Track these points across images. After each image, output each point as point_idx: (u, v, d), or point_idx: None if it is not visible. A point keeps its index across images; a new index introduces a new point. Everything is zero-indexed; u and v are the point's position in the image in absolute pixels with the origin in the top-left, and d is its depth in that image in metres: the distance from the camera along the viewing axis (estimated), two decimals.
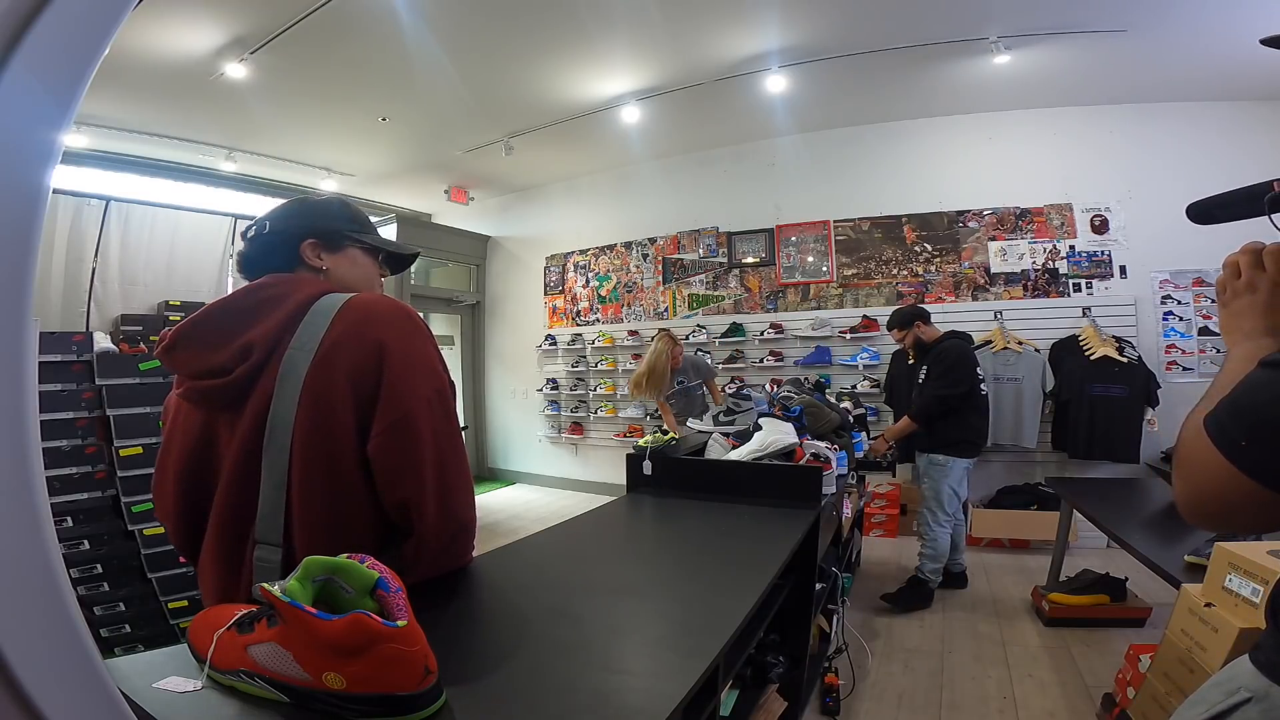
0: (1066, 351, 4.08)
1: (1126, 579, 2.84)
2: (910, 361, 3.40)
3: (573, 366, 5.99)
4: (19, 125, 0.35)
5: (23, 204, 0.35)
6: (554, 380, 6.13)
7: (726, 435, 2.34)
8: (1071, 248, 4.28)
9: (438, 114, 4.45)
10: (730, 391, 3.79)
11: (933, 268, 4.61)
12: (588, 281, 6.05)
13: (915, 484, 3.35)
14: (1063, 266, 4.29)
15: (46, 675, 0.36)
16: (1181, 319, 4.05)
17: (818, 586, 1.86)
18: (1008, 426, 4.12)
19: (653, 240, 5.69)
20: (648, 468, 2.04)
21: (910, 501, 4.22)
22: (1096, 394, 3.89)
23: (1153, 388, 3.88)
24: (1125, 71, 3.77)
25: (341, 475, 0.88)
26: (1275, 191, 0.69)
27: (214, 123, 4.34)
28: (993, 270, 4.45)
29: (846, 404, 3.36)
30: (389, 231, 5.89)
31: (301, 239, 1.03)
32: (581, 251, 6.09)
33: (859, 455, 2.96)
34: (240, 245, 1.06)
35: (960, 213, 4.54)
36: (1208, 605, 1.50)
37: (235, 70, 3.56)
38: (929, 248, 4.62)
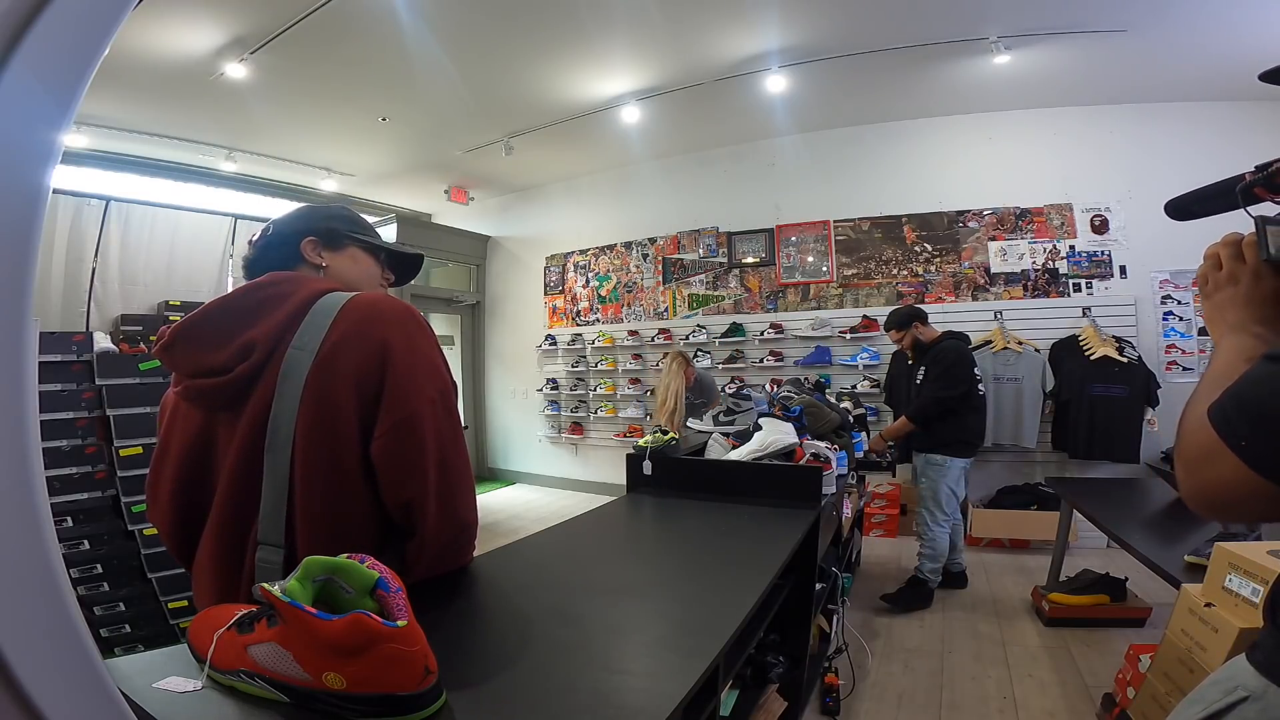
0: (1066, 351, 4.08)
1: (1126, 579, 2.85)
2: (909, 362, 3.41)
3: (573, 366, 5.99)
4: (19, 125, 0.35)
5: (23, 204, 0.35)
6: (554, 380, 6.13)
7: (726, 435, 2.34)
8: (1071, 248, 4.28)
9: (438, 114, 4.45)
10: (730, 391, 3.79)
11: (933, 268, 4.61)
12: (588, 281, 6.05)
13: (914, 484, 3.36)
14: (1063, 266, 4.29)
15: (46, 675, 0.36)
16: (1181, 319, 4.05)
17: (818, 586, 1.86)
18: (1008, 426, 4.12)
19: (653, 240, 5.69)
20: (648, 468, 2.04)
21: (910, 501, 4.21)
22: (1096, 394, 3.89)
23: (1153, 388, 3.88)
24: (1125, 71, 3.77)
25: (344, 475, 0.88)
26: (1246, 181, 0.70)
27: (214, 123, 4.34)
28: (993, 270, 4.45)
29: (846, 404, 3.36)
30: (389, 231, 5.90)
31: (302, 237, 1.03)
32: (581, 251, 6.10)
33: (859, 455, 2.96)
34: (248, 251, 1.06)
35: (960, 213, 4.54)
36: (1208, 605, 1.50)
37: (235, 70, 3.56)
38: (929, 248, 4.62)
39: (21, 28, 0.34)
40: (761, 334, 5.02)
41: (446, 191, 6.16)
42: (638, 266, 5.77)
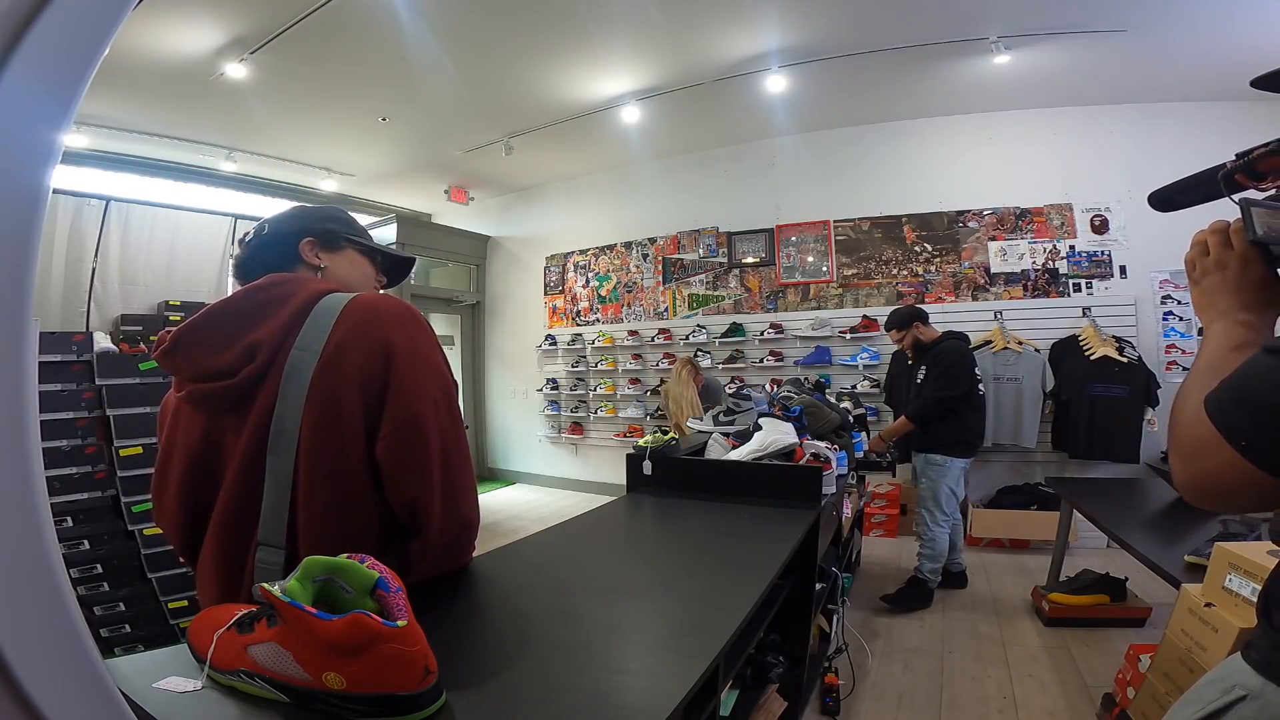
0: (1066, 351, 4.08)
1: (1126, 579, 2.85)
2: (909, 362, 3.41)
3: (573, 366, 5.99)
4: (19, 125, 0.35)
5: (23, 204, 0.35)
6: (554, 380, 6.13)
7: (726, 435, 2.34)
8: (1071, 248, 4.28)
9: (438, 114, 4.45)
10: (730, 391, 3.79)
11: (933, 268, 4.61)
12: (588, 281, 6.05)
13: (914, 484, 3.36)
14: (1063, 266, 4.29)
15: (46, 675, 0.36)
16: (1182, 319, 4.05)
17: (818, 586, 1.86)
18: (1008, 426, 4.12)
19: (653, 240, 5.69)
20: (648, 468, 2.04)
21: (910, 501, 4.21)
22: (1096, 394, 3.89)
23: (1153, 388, 3.88)
24: (1125, 71, 3.77)
25: (348, 476, 0.88)
26: (1228, 169, 0.71)
27: (214, 123, 4.34)
28: (993, 270, 4.45)
29: (846, 404, 3.36)
30: (389, 231, 5.91)
31: (300, 238, 1.04)
32: (581, 251, 6.10)
33: (859, 455, 2.96)
34: (240, 251, 1.05)
35: (960, 213, 4.54)
36: (1208, 605, 1.50)
37: (235, 70, 3.56)
38: (929, 248, 4.62)
39: (21, 28, 0.34)
40: (761, 334, 5.02)
41: (446, 191, 6.16)
42: (638, 266, 5.77)
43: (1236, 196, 0.70)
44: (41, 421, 0.38)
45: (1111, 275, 4.20)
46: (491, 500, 5.93)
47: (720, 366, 5.11)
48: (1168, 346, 4.07)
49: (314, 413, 0.86)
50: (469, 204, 6.47)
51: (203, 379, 0.91)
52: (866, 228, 4.80)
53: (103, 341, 2.88)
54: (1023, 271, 4.38)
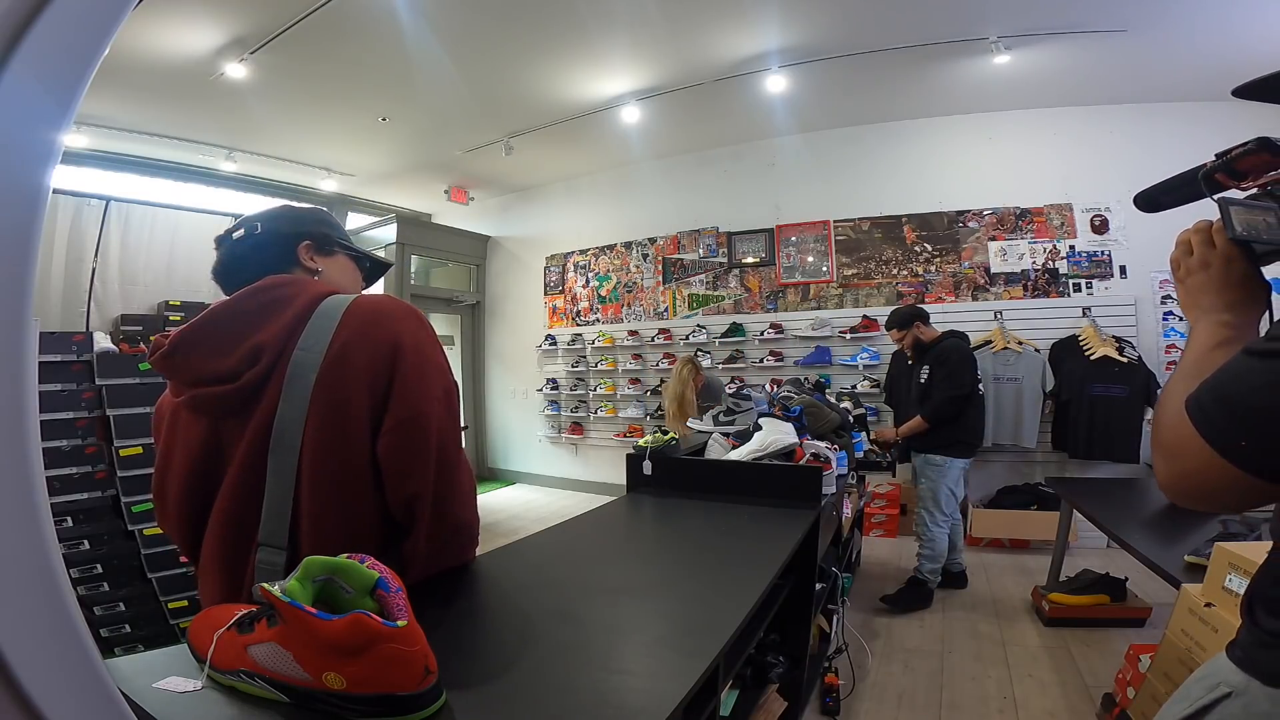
0: (1066, 351, 4.08)
1: (1126, 579, 2.85)
2: (909, 362, 3.41)
3: (573, 366, 5.99)
4: (19, 125, 0.35)
5: (23, 204, 0.35)
6: (554, 380, 6.13)
7: (726, 435, 2.34)
8: (1071, 248, 4.28)
9: (438, 114, 4.45)
10: (730, 391, 3.78)
11: (933, 268, 4.61)
12: (588, 281, 6.05)
13: (914, 484, 3.36)
14: (1063, 266, 4.29)
15: (46, 675, 0.36)
16: (1181, 319, 4.05)
17: (818, 586, 1.86)
18: (1008, 426, 4.12)
19: (653, 240, 5.69)
20: (648, 468, 2.04)
21: (910, 501, 4.21)
22: (1096, 394, 3.90)
23: (1153, 388, 3.88)
24: (1125, 71, 3.77)
25: (352, 475, 0.88)
26: (1208, 168, 0.72)
27: (214, 123, 4.34)
28: (993, 270, 4.45)
29: (846, 404, 3.36)
30: (389, 231, 5.92)
31: (299, 240, 1.03)
32: (581, 251, 6.10)
33: (859, 455, 2.96)
34: (222, 249, 1.03)
35: (960, 213, 4.54)
36: (1208, 605, 1.50)
37: (235, 70, 3.56)
38: (929, 248, 4.62)
39: (21, 28, 0.34)
40: (761, 334, 5.02)
41: (446, 191, 6.16)
42: (638, 266, 5.77)
43: (1216, 196, 0.71)
44: (41, 421, 0.38)
45: (1111, 275, 4.20)
46: (491, 500, 5.93)
47: (720, 366, 5.11)
48: (1168, 346, 4.07)
49: (319, 413, 0.86)
50: (469, 204, 6.47)
51: (204, 383, 0.90)
52: (866, 228, 4.80)
53: (103, 341, 2.88)
54: (1023, 271, 4.38)
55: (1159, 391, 3.82)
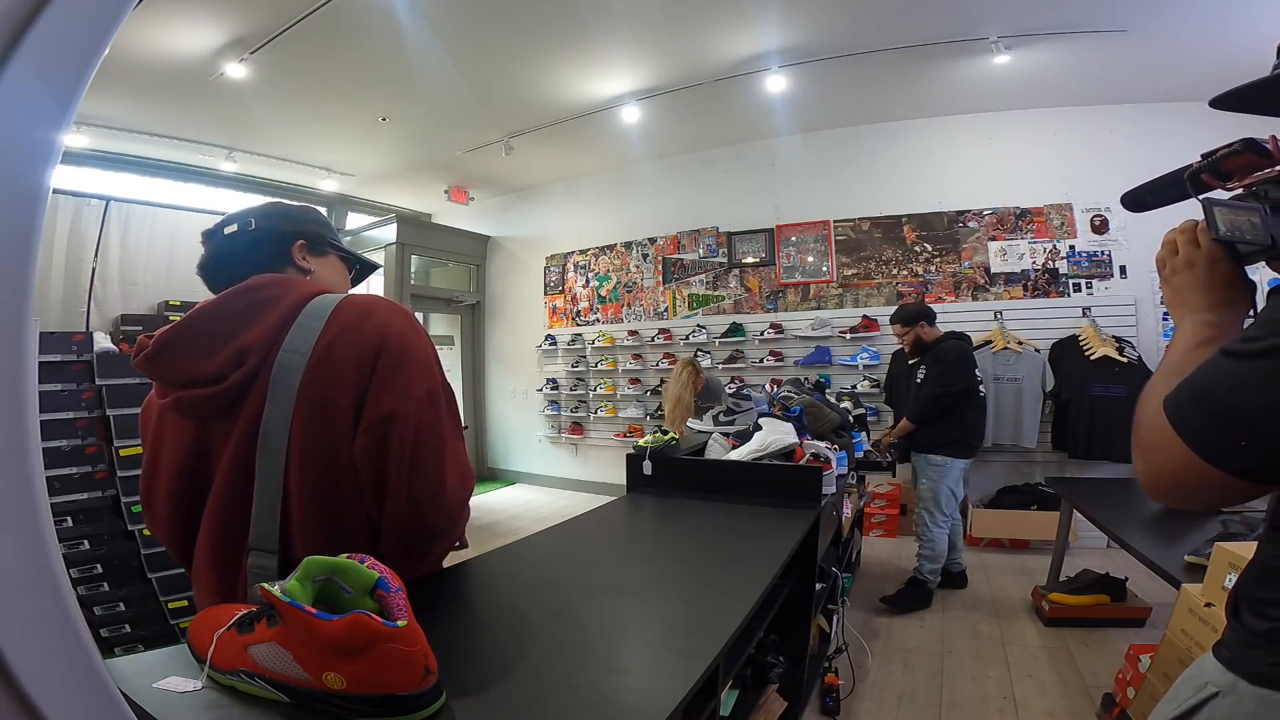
0: (1066, 351, 4.08)
1: (1126, 579, 2.85)
2: (909, 361, 3.41)
3: (573, 366, 5.99)
4: (19, 125, 0.35)
5: (23, 204, 0.35)
6: (554, 380, 6.13)
7: (726, 435, 2.34)
8: (1071, 248, 4.28)
9: (438, 114, 4.45)
10: (730, 391, 3.78)
11: (933, 268, 4.61)
12: (588, 281, 6.05)
13: (914, 484, 3.36)
14: (1063, 266, 4.29)
15: (46, 675, 0.36)
16: None
17: (818, 586, 1.86)
18: (1008, 426, 4.12)
19: (653, 240, 5.69)
20: (648, 468, 2.04)
21: (910, 501, 4.21)
22: (1096, 394, 3.90)
23: None
24: (1125, 71, 3.77)
25: (340, 475, 0.87)
26: (1194, 169, 0.73)
27: (214, 123, 4.34)
28: (993, 270, 4.45)
29: (846, 404, 3.36)
30: (389, 231, 5.92)
31: (294, 239, 1.02)
32: (581, 251, 6.10)
33: (859, 455, 2.96)
34: (212, 244, 0.99)
35: (960, 213, 4.54)
36: (1208, 605, 1.50)
37: (235, 70, 3.56)
38: (929, 248, 4.62)
39: (21, 28, 0.34)
40: (761, 334, 5.02)
41: (446, 191, 6.16)
42: (638, 266, 5.77)
43: (1201, 196, 0.71)
44: (41, 421, 0.38)
45: (1111, 275, 4.20)
46: (491, 500, 5.92)
47: (720, 366, 5.10)
48: (1167, 347, 4.06)
49: (305, 414, 0.85)
50: (469, 204, 6.47)
51: (189, 385, 0.88)
52: (866, 228, 4.80)
53: (103, 341, 2.88)
54: (1023, 271, 4.38)
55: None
